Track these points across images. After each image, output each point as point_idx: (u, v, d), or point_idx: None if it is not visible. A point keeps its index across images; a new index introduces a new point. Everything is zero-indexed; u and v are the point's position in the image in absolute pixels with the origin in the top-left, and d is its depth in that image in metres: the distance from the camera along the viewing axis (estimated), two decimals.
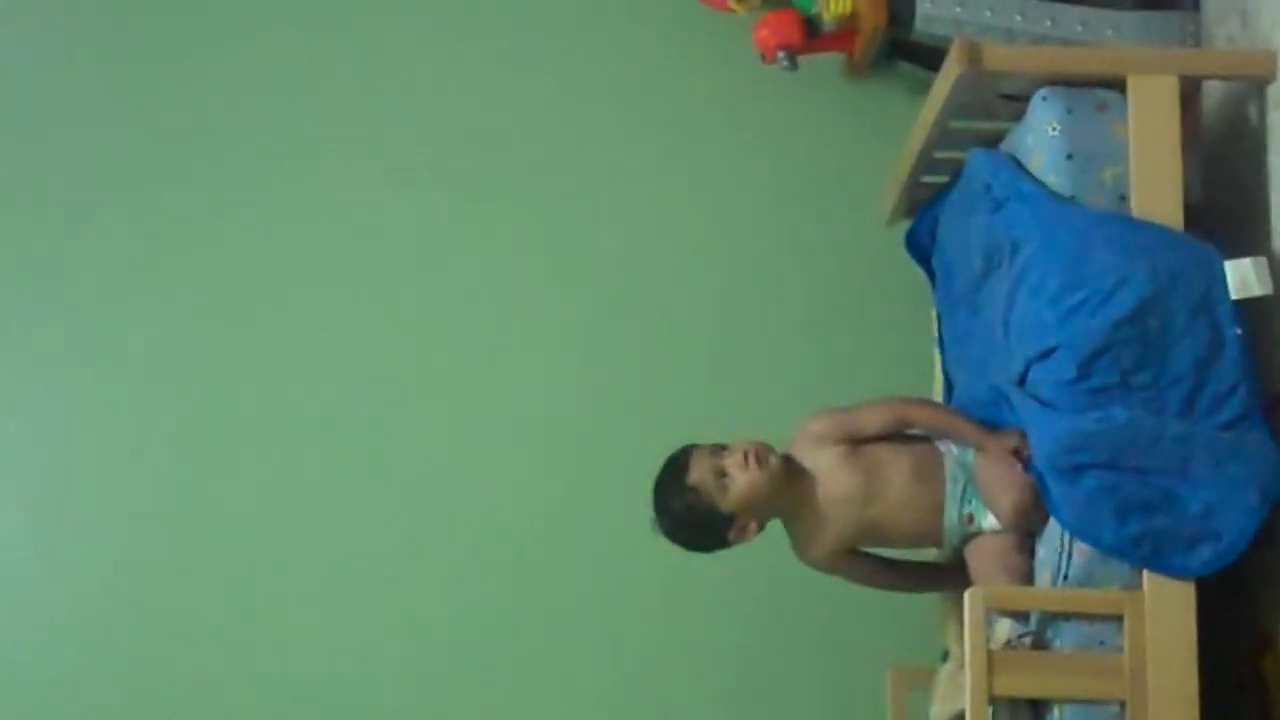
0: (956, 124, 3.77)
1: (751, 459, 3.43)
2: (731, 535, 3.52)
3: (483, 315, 4.57)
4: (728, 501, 3.46)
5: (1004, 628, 3.23)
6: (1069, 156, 3.39)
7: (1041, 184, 3.42)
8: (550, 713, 4.41)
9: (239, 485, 4.49)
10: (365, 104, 4.66)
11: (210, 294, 4.58)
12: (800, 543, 3.59)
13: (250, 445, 4.51)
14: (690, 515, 3.49)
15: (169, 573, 4.46)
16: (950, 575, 3.61)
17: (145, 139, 4.65)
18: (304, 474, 4.49)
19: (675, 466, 3.49)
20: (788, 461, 3.49)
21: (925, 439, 3.55)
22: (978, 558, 3.46)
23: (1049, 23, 3.94)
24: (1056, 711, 3.20)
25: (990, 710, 3.15)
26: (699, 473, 3.46)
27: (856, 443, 3.49)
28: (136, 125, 4.66)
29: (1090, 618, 3.21)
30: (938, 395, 4.02)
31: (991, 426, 3.46)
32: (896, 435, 3.53)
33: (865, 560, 3.65)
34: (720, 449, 3.46)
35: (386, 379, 4.53)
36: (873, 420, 3.52)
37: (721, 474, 3.45)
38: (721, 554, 3.65)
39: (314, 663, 4.42)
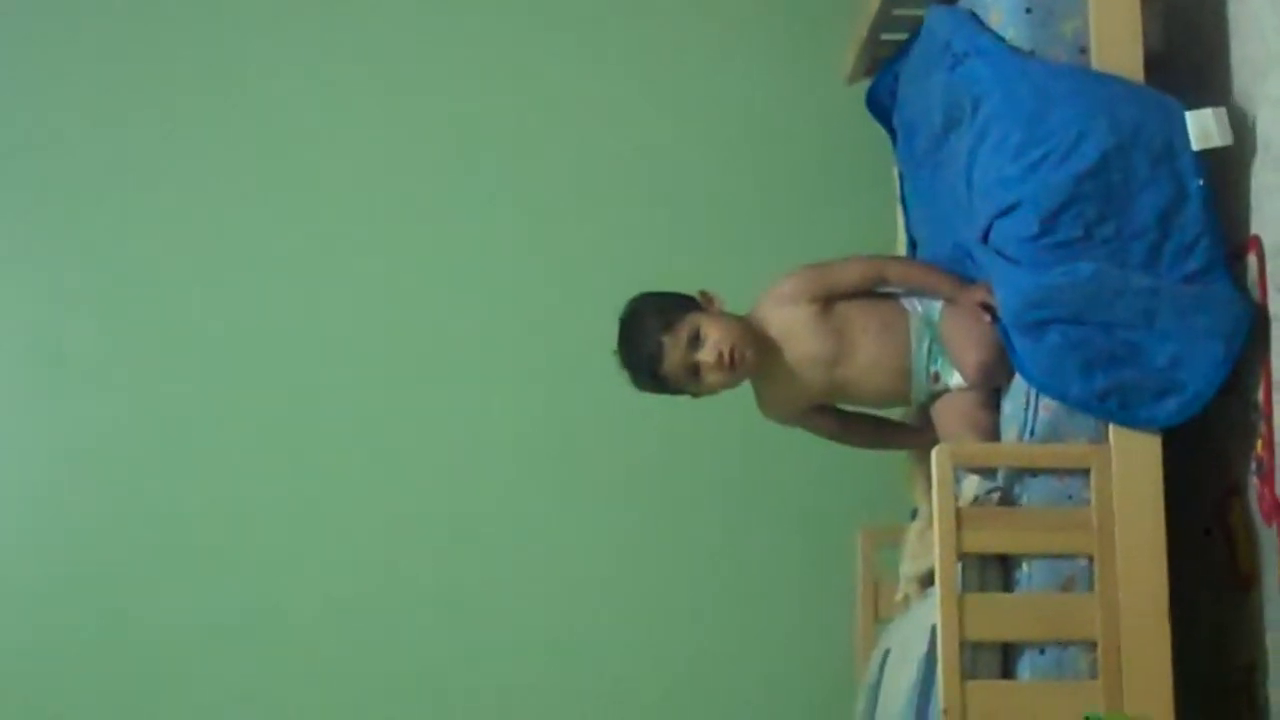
0: None
1: (726, 360, 3.44)
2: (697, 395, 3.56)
3: (456, 179, 4.58)
4: (697, 389, 3.51)
5: (971, 484, 3.24)
6: (1028, 10, 3.36)
7: (1001, 39, 3.39)
8: (528, 575, 4.44)
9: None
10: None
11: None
12: (766, 401, 3.61)
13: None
14: (657, 388, 3.53)
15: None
16: (916, 432, 3.63)
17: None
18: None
19: (647, 351, 3.47)
20: (755, 331, 3.48)
21: (891, 297, 3.54)
22: (944, 415, 3.47)
23: None
24: (1025, 566, 3.21)
25: (959, 566, 3.16)
26: (671, 364, 3.47)
27: (828, 302, 3.49)
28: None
29: (1057, 472, 3.22)
30: (901, 254, 4.01)
31: (963, 279, 3.46)
32: (865, 294, 3.53)
33: (831, 415, 3.67)
34: (695, 339, 3.45)
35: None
36: (849, 276, 3.52)
37: (694, 369, 3.46)
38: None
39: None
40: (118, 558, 4.41)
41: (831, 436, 3.71)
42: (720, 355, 3.44)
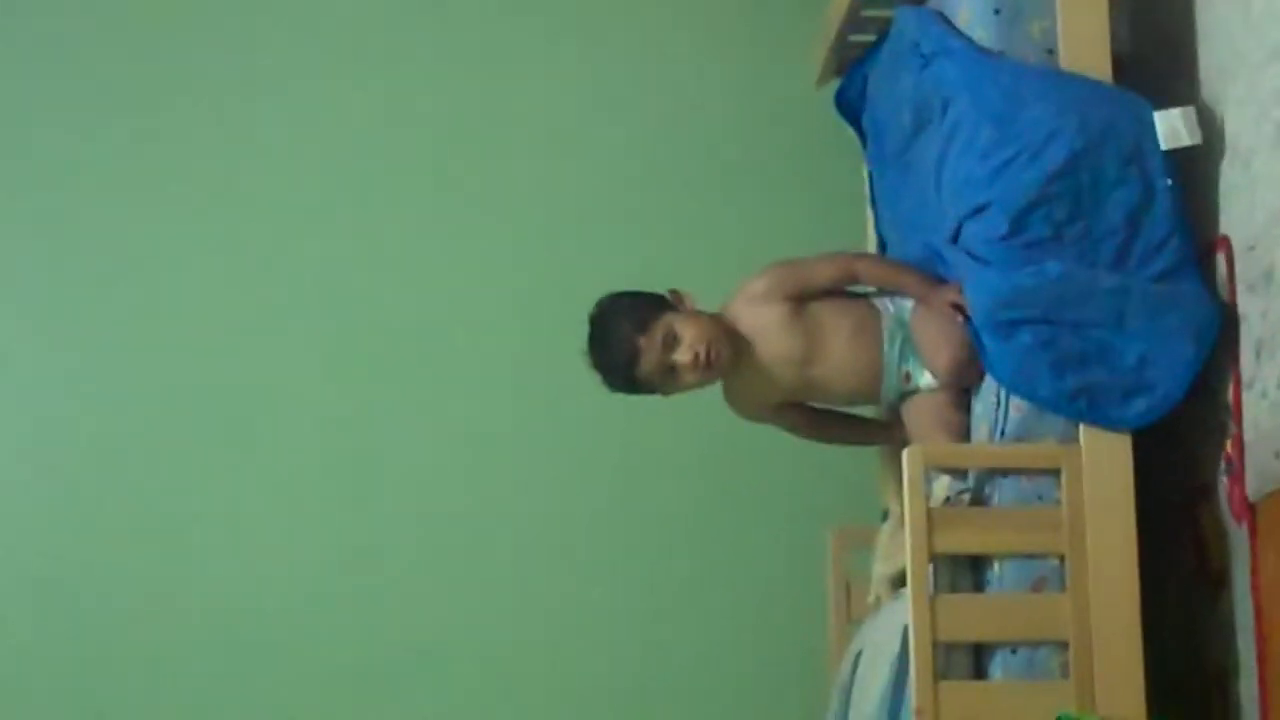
0: None
1: (703, 360, 3.43)
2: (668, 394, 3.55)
3: (425, 174, 4.58)
4: (671, 389, 3.50)
5: (942, 485, 3.24)
6: (996, 11, 3.37)
7: (969, 39, 3.39)
8: (496, 577, 4.44)
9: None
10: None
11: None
12: (735, 397, 3.61)
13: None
14: (631, 389, 3.51)
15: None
16: (887, 428, 3.63)
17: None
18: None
19: (623, 354, 3.45)
20: (728, 329, 3.48)
21: (863, 297, 3.54)
22: (915, 416, 3.47)
23: None
24: (996, 566, 3.21)
25: (931, 567, 3.16)
26: (647, 366, 3.45)
27: (800, 301, 3.48)
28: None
29: (1028, 472, 3.22)
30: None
31: (934, 279, 3.46)
32: (837, 293, 3.53)
33: (801, 411, 3.67)
34: (670, 339, 3.44)
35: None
36: (821, 275, 3.51)
37: (670, 369, 3.45)
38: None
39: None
40: (93, 553, 4.42)
41: (801, 433, 3.71)
42: (696, 355, 3.43)
